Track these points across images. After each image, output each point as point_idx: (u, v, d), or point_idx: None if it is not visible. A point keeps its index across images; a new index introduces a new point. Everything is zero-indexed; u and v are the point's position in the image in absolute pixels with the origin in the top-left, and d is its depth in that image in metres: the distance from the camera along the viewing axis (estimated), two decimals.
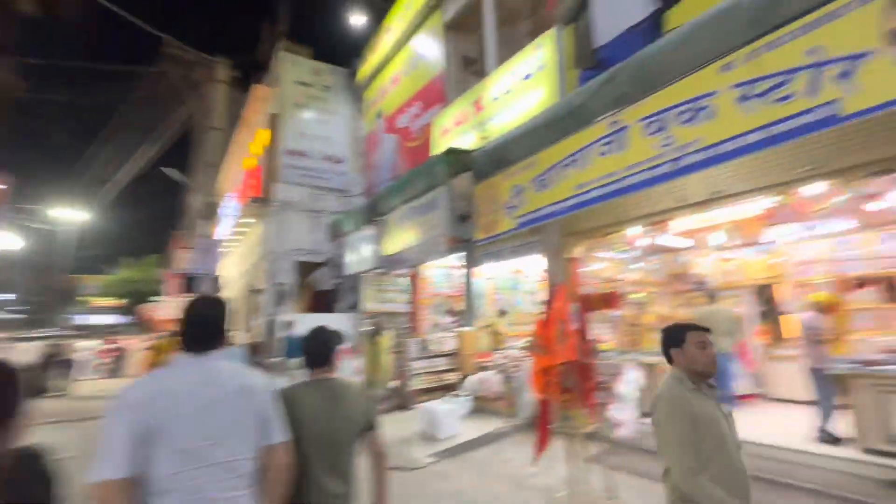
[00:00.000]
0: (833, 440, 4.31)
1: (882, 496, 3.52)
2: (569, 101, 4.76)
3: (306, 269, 11.14)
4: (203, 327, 1.50)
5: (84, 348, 16.68)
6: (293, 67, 11.50)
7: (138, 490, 1.28)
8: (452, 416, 5.90)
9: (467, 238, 6.78)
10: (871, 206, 5.25)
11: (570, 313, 3.70)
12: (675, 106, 3.72)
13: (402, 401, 7.77)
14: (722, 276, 8.28)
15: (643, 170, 3.96)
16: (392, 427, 6.59)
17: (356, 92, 12.19)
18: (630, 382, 5.45)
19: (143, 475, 1.28)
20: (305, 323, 9.41)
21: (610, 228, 6.25)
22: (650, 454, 4.77)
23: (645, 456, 4.75)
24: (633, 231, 6.54)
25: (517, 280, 9.62)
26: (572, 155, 4.65)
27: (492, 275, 8.82)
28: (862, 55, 2.77)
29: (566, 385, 3.59)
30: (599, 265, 6.78)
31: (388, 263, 7.68)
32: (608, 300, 6.38)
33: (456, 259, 10.21)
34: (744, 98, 3.31)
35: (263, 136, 11.62)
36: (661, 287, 8.23)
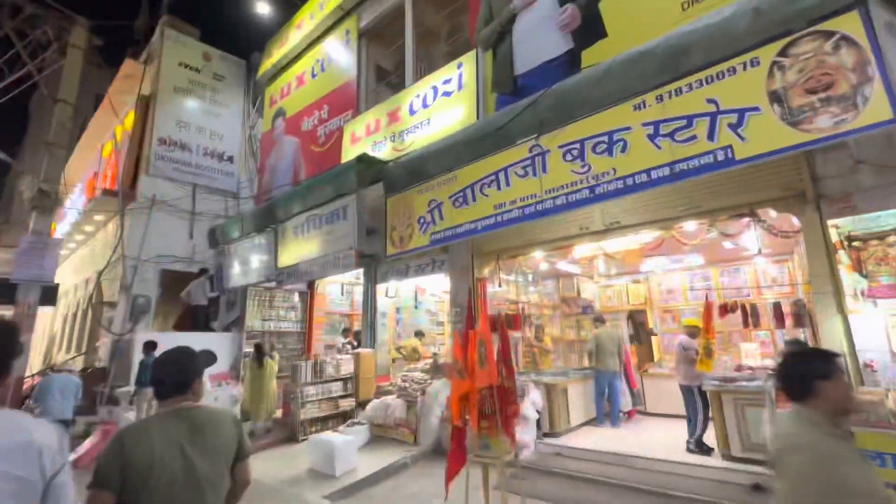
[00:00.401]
0: (705, 450, 4.80)
1: (745, 500, 3.96)
2: (491, 120, 4.79)
3: (176, 279, 9.51)
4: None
5: None
6: (177, 46, 10.03)
7: None
8: (349, 448, 5.32)
9: (373, 253, 6.39)
10: (727, 244, 6.20)
11: (491, 336, 3.55)
12: (593, 137, 3.92)
13: (289, 433, 6.87)
14: (603, 301, 9.13)
15: (563, 194, 4.07)
16: (278, 464, 5.74)
17: (254, 87, 11.08)
18: (533, 403, 5.52)
19: None
20: (172, 343, 7.82)
21: (518, 251, 6.41)
22: (553, 475, 4.81)
23: (549, 478, 4.77)
24: (538, 255, 6.82)
25: (418, 299, 9.40)
26: (493, 174, 4.63)
27: (393, 293, 8.47)
28: (750, 109, 3.18)
29: (486, 411, 3.40)
30: (502, 287, 6.91)
31: (283, 276, 6.87)
32: (512, 322, 6.48)
33: (354, 276, 9.64)
34: (654, 135, 3.59)
35: (129, 119, 9.82)
36: (553, 310, 8.74)
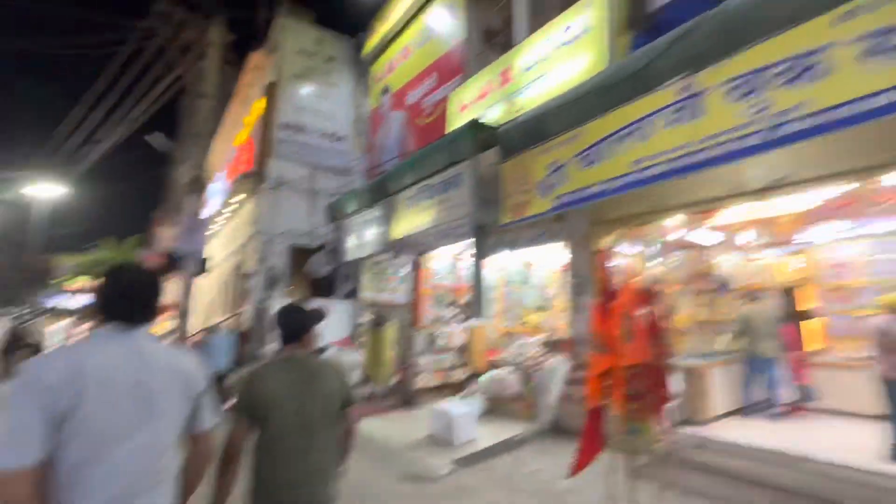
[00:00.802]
0: None
1: None
2: (627, 64, 4.15)
3: (300, 253, 10.38)
4: (132, 298, 1.34)
5: (55, 331, 15.61)
6: (294, 34, 10.66)
7: (46, 480, 1.12)
8: (468, 419, 5.29)
9: (488, 222, 6.15)
10: None
11: (640, 309, 3.09)
12: (774, 64, 3.13)
13: (406, 399, 7.13)
14: (746, 276, 7.82)
15: (724, 141, 3.36)
16: (399, 428, 5.95)
17: (361, 66, 11.40)
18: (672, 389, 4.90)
19: (53, 463, 1.13)
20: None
21: (645, 217, 5.67)
22: (698, 470, 4.23)
23: (694, 473, 4.20)
24: (671, 222, 5.99)
25: (528, 273, 9.03)
26: (630, 126, 4.03)
27: (502, 266, 8.23)
28: None
29: (633, 392, 2.99)
30: (626, 259, 6.23)
31: (397, 247, 7.01)
32: (645, 297, 5.81)
33: (463, 248, 9.58)
34: (871, 52, 2.72)
35: (259, 106, 10.77)
36: (684, 285, 7.73)
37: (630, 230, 5.97)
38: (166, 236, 10.65)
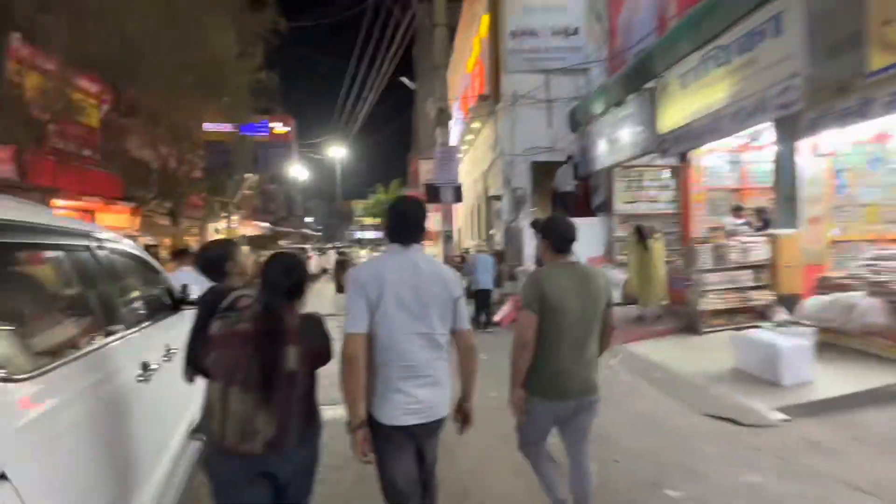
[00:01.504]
0: None
1: None
2: None
3: (543, 170, 9.97)
4: (406, 224, 1.71)
5: (362, 256, 20.65)
6: None
7: (372, 347, 1.61)
8: (801, 354, 3.97)
9: (837, 75, 4.09)
10: None
11: None
12: None
13: (687, 322, 6.09)
14: None
15: None
16: (684, 357, 5.10)
17: None
18: None
19: (373, 335, 1.61)
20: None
21: None
22: None
23: None
24: None
25: (880, 155, 6.08)
26: None
27: (830, 149, 5.72)
28: None
29: None
30: None
31: (667, 143, 5.66)
32: None
33: (747, 137, 7.18)
34: None
35: (485, 22, 10.35)
36: None
37: None
38: (425, 170, 11.94)
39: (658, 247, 6.55)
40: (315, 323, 1.61)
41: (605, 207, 8.84)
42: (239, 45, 8.69)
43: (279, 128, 17.77)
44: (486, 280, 7.22)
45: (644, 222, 8.15)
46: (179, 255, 4.19)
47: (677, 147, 5.53)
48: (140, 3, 5.94)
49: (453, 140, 14.01)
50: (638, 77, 5.95)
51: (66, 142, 12.68)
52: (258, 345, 1.46)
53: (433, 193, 9.90)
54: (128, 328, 1.97)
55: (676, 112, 5.44)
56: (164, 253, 20.40)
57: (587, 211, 9.11)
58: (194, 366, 1.85)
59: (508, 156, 9.65)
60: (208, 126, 16.71)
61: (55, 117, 8.48)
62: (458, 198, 9.84)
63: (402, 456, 1.66)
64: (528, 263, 8.28)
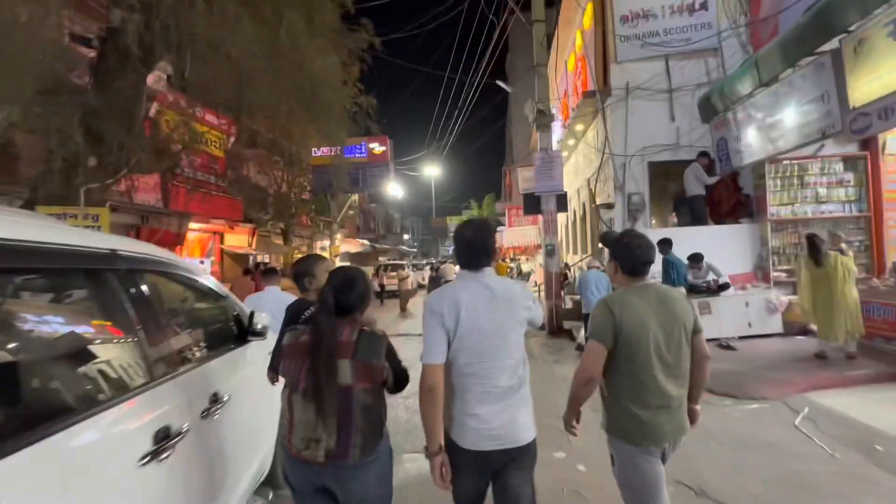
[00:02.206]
0: None
1: None
2: None
3: (661, 172, 8.50)
4: (473, 249, 1.66)
5: (455, 270, 20.34)
6: None
7: (450, 372, 1.60)
8: None
9: None
10: None
11: None
12: None
13: None
14: None
15: None
16: None
17: None
18: None
19: (452, 363, 1.59)
20: (684, 240, 6.86)
21: None
22: None
23: None
24: None
25: None
26: None
27: None
28: None
29: None
30: None
31: (869, 120, 4.11)
32: None
33: None
34: None
35: (589, 12, 9.30)
36: None
37: None
38: (523, 178, 11.07)
39: (843, 262, 4.86)
40: (372, 339, 1.58)
41: (754, 211, 7.12)
42: (340, 69, 8.77)
43: (377, 148, 18.31)
44: (596, 299, 6.09)
45: (814, 228, 6.37)
46: (267, 273, 3.89)
47: (886, 123, 3.96)
48: (245, 35, 6.10)
49: (553, 146, 12.97)
50: (814, 36, 4.49)
51: (196, 171, 14.23)
52: (311, 357, 1.51)
53: (532, 203, 8.98)
54: (153, 379, 1.46)
55: (880, 76, 3.91)
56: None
57: (732, 214, 7.45)
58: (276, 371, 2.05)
59: (621, 156, 8.38)
60: (315, 152, 17.90)
61: (185, 147, 9.34)
62: (562, 206, 8.80)
63: (476, 481, 1.63)
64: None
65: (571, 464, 3.21)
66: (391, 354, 1.60)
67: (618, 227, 8.47)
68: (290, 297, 2.79)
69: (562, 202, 8.78)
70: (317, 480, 1.51)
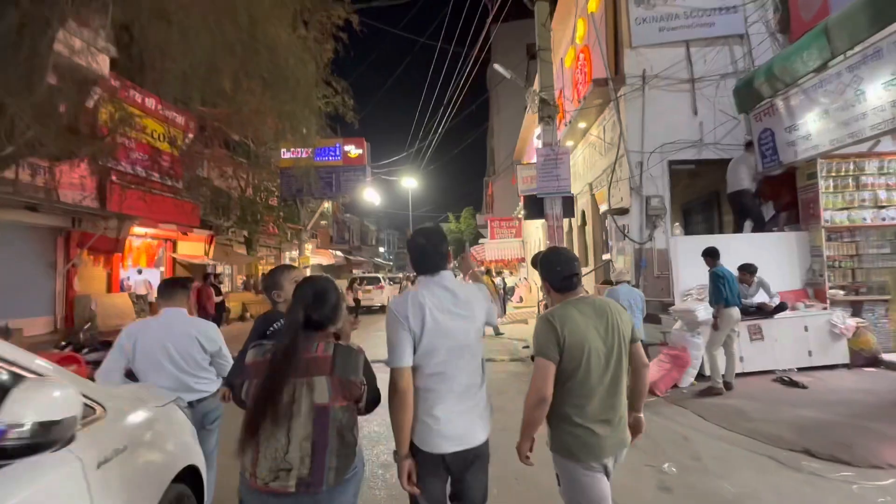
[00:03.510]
0: None
1: None
2: None
3: (682, 172, 7.44)
4: (426, 253, 1.67)
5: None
6: None
7: (414, 375, 1.58)
8: None
9: None
10: None
11: None
12: None
13: None
14: None
15: None
16: None
17: None
18: None
19: (416, 365, 1.58)
20: (728, 248, 5.47)
21: None
22: None
23: None
24: None
25: None
26: None
27: None
28: None
29: None
30: None
31: None
32: None
33: None
34: None
35: (592, 2, 8.27)
36: None
37: None
38: (524, 177, 9.79)
39: None
40: (349, 354, 1.47)
41: (801, 216, 6.06)
42: (308, 45, 7.39)
43: (353, 151, 16.85)
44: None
45: (874, 238, 5.33)
46: (167, 288, 2.40)
47: None
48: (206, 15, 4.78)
49: (559, 137, 11.83)
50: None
51: (141, 168, 12.42)
52: (282, 375, 1.37)
53: (534, 207, 7.73)
54: None
55: None
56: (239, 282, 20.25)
57: (785, 220, 6.38)
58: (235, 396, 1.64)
59: (637, 153, 7.26)
60: (285, 154, 16.28)
61: (113, 131, 7.67)
62: (569, 210, 7.57)
63: (436, 483, 1.61)
64: (689, 300, 5.70)
65: None
66: (368, 370, 1.52)
67: (634, 235, 7.30)
68: (201, 324, 2.36)
69: (568, 205, 7.56)
70: None
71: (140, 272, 13.82)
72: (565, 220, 9.92)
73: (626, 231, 7.37)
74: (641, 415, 1.79)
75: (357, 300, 15.66)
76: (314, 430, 1.35)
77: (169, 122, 11.96)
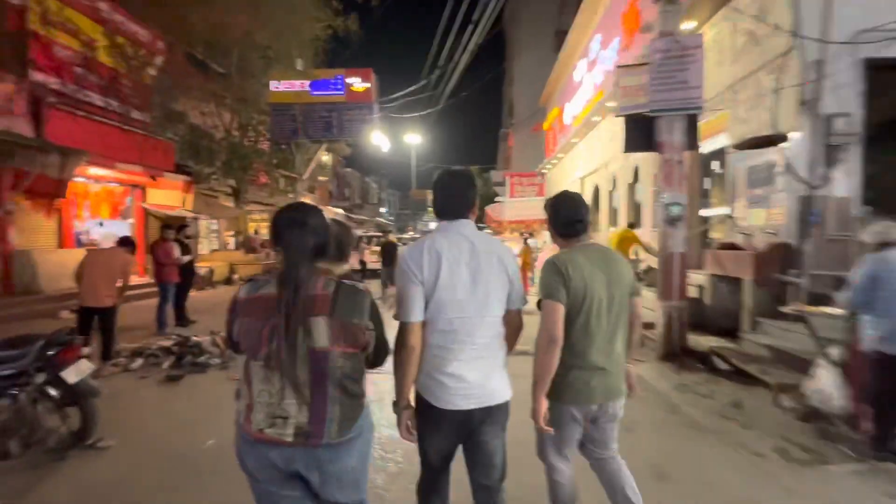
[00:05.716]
0: None
1: None
2: None
3: (887, 81, 4.86)
4: (449, 195, 1.59)
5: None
6: None
7: (426, 329, 1.52)
8: None
9: None
10: None
11: None
12: None
13: None
14: None
15: None
16: None
17: None
18: None
19: (429, 319, 1.51)
20: None
21: None
22: None
23: None
24: None
25: None
26: None
27: None
28: None
29: None
30: None
31: None
32: None
33: None
34: None
35: None
36: None
37: None
38: (626, 87, 7.07)
39: None
40: (354, 294, 1.28)
41: None
42: None
43: (358, 84, 13.96)
44: None
45: None
46: None
47: None
48: None
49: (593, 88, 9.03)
50: None
51: (93, 92, 9.67)
52: (279, 312, 1.20)
53: (639, 133, 5.24)
54: None
55: None
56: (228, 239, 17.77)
57: None
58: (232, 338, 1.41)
59: (814, 47, 4.67)
60: (275, 85, 13.41)
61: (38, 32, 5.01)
62: (692, 138, 5.07)
63: (451, 440, 1.58)
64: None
65: None
66: (375, 314, 1.33)
67: (803, 173, 4.83)
68: None
69: (692, 129, 5.05)
70: (284, 465, 1.23)
71: (101, 224, 11.30)
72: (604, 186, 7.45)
73: (788, 168, 4.88)
74: (631, 367, 1.82)
75: (363, 262, 13.28)
76: (313, 376, 1.22)
77: (135, 39, 9.17)
